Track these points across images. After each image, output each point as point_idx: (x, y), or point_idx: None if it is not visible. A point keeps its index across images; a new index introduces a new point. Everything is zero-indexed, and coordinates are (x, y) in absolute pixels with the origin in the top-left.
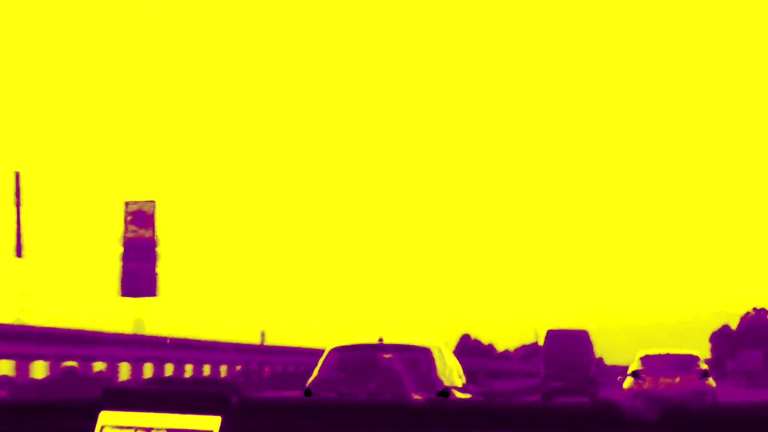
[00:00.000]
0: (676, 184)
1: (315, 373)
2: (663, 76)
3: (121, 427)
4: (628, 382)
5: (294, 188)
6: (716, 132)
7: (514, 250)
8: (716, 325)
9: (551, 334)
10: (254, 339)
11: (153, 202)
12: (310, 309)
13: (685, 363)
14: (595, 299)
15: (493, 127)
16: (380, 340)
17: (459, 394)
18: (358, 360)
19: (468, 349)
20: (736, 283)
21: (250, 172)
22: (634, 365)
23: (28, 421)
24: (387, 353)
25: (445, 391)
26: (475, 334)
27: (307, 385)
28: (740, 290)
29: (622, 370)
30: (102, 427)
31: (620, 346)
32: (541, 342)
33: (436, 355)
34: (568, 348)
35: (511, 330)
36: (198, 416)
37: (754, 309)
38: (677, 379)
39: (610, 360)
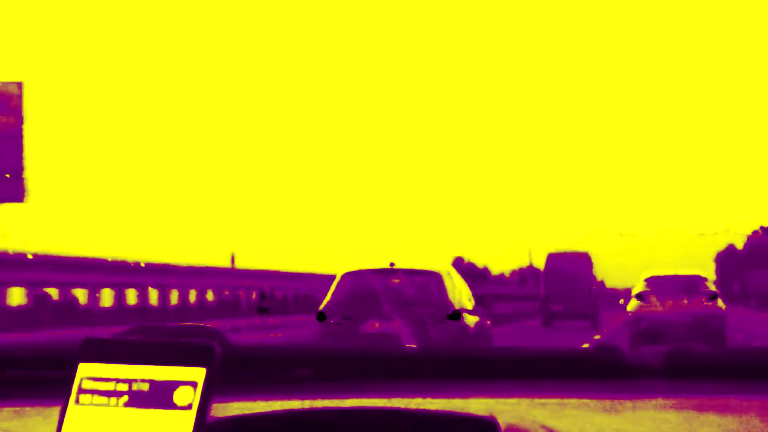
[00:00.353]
0: (678, 100)
1: (328, 297)
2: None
3: (101, 379)
4: (632, 305)
5: (279, 105)
6: (719, 51)
7: (508, 170)
8: (721, 245)
9: (551, 257)
10: (223, 262)
11: (19, 83)
12: (287, 232)
13: (692, 284)
14: (593, 220)
15: (488, 50)
16: (391, 264)
17: (469, 317)
18: (370, 284)
19: (462, 273)
20: (741, 201)
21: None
22: (639, 287)
23: (3, 370)
24: (398, 277)
25: (456, 314)
26: (468, 257)
27: (320, 308)
28: (745, 209)
29: (624, 293)
30: (81, 380)
31: (622, 269)
32: (535, 263)
33: (445, 278)
34: (569, 270)
35: (506, 253)
36: (181, 368)
37: (762, 228)
38: (684, 301)
39: (611, 283)
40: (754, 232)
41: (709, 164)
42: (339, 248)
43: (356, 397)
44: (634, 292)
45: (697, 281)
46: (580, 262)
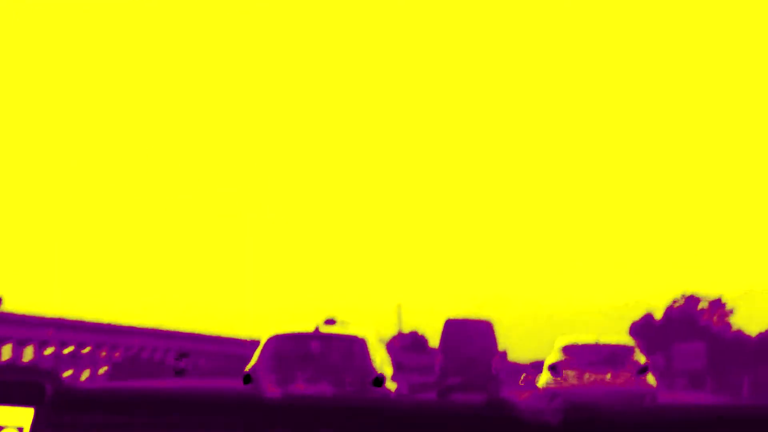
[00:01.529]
0: (582, 162)
1: (254, 359)
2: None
3: None
4: (544, 378)
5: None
6: (628, 119)
7: (389, 223)
8: (635, 316)
9: (450, 323)
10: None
11: None
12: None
13: (617, 354)
14: (491, 285)
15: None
16: (316, 328)
17: (390, 383)
18: (296, 348)
19: None
20: (655, 269)
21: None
22: (553, 356)
23: None
24: (323, 342)
25: (379, 380)
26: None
27: (246, 370)
28: (660, 277)
29: (527, 367)
30: None
31: (522, 339)
32: (403, 327)
33: (369, 344)
34: (469, 339)
35: (382, 316)
36: (7, 408)
37: (683, 296)
38: (608, 376)
39: (512, 355)
40: (675, 301)
41: (619, 230)
42: (219, 312)
43: None
44: (548, 362)
45: (623, 351)
46: (482, 329)
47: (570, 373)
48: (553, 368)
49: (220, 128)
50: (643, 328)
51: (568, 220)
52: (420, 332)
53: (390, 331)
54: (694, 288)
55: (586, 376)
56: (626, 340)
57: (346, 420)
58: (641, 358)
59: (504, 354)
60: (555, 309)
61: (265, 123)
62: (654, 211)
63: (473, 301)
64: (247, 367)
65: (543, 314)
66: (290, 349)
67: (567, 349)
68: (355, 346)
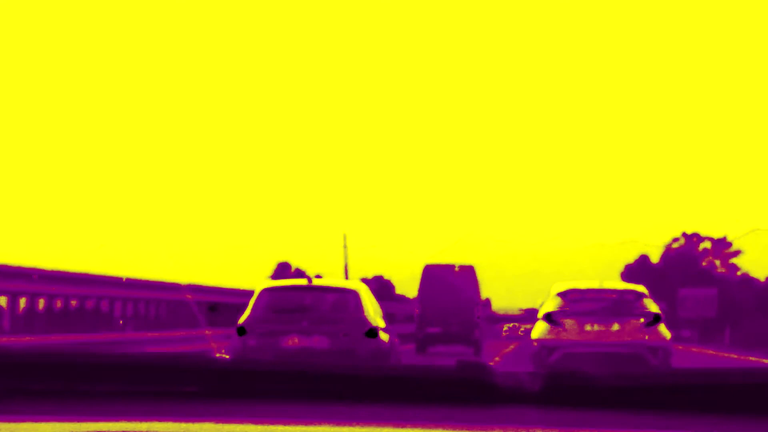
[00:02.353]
0: (576, 94)
1: (247, 312)
2: None
3: None
4: (539, 330)
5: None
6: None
7: (346, 156)
8: (627, 258)
9: (429, 269)
10: None
11: None
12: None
13: (625, 302)
14: (468, 225)
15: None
16: (309, 281)
17: (383, 334)
18: (289, 300)
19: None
20: (650, 207)
21: None
22: (549, 304)
23: None
24: (315, 294)
25: (373, 331)
26: (297, 264)
27: (239, 323)
28: (657, 215)
29: (514, 317)
30: None
31: (507, 285)
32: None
33: (362, 296)
34: (449, 285)
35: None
36: None
37: (684, 235)
38: (614, 327)
39: (496, 304)
40: (675, 239)
41: (612, 164)
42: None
43: (160, 419)
44: (542, 311)
45: (632, 298)
46: (463, 276)
47: (569, 324)
48: (549, 317)
49: (178, 75)
50: (637, 270)
51: (554, 152)
52: (386, 277)
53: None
54: (694, 227)
55: (588, 326)
56: (635, 286)
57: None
58: (652, 307)
59: (487, 302)
60: (539, 251)
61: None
62: (651, 144)
63: (447, 242)
64: (241, 319)
65: (526, 257)
66: (284, 301)
67: (566, 296)
68: (349, 298)
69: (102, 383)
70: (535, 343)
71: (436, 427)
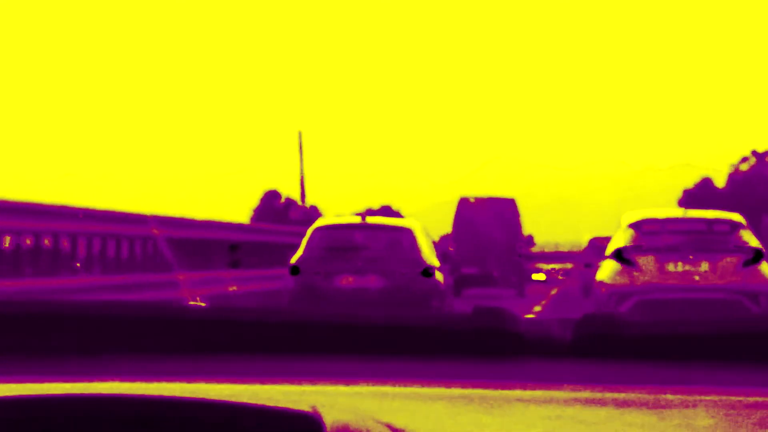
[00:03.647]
0: (627, 10)
1: (300, 251)
2: None
3: None
4: (607, 270)
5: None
6: None
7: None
8: (684, 183)
9: (464, 203)
10: None
11: None
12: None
13: (716, 234)
14: (495, 150)
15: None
16: (363, 219)
17: (438, 274)
18: (343, 239)
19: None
20: (706, 124)
21: None
22: (619, 238)
23: None
24: (370, 233)
25: (428, 270)
26: (395, 205)
27: (292, 262)
28: (715, 133)
29: (558, 254)
30: None
31: (540, 216)
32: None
33: (417, 234)
34: (488, 221)
35: (347, 189)
36: None
37: (754, 153)
38: (703, 266)
39: (539, 239)
40: (744, 160)
41: (657, 78)
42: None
43: (147, 379)
44: (611, 247)
45: (726, 229)
46: (503, 210)
47: (646, 262)
48: (619, 255)
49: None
50: (699, 197)
51: (591, 64)
52: (395, 208)
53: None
54: (765, 145)
55: (670, 266)
56: (729, 214)
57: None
58: (752, 240)
59: (530, 239)
60: (578, 176)
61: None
62: (703, 53)
63: (468, 169)
64: (293, 259)
65: (562, 184)
66: (337, 240)
67: (640, 227)
68: (403, 237)
69: (58, 337)
70: (602, 289)
71: (450, 384)
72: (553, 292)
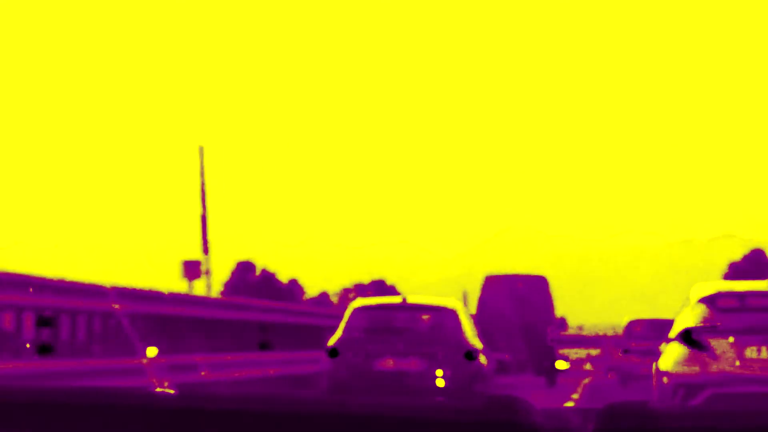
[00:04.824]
0: (671, 81)
1: (339, 332)
2: None
3: None
4: (671, 357)
5: None
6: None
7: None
8: (727, 256)
9: (491, 281)
10: None
11: None
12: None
13: None
14: (509, 217)
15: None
16: (404, 299)
17: (482, 357)
18: (383, 319)
19: (251, 286)
20: (746, 193)
21: None
22: (688, 316)
23: None
24: (411, 314)
25: (472, 353)
26: (264, 264)
27: (331, 344)
28: (758, 203)
29: (593, 340)
30: None
31: (572, 300)
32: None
33: (461, 315)
34: (517, 302)
35: (331, 263)
36: None
37: None
38: None
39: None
40: None
41: (698, 146)
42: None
43: None
44: (678, 326)
45: None
46: (534, 289)
47: (722, 347)
48: (687, 337)
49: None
50: (749, 270)
51: (625, 130)
52: (389, 282)
53: None
54: None
55: (753, 351)
56: None
57: None
58: None
59: (563, 321)
60: (605, 250)
61: None
62: (748, 119)
63: (478, 239)
64: (332, 341)
65: (590, 257)
66: (377, 321)
67: (715, 303)
68: (446, 317)
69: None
70: (666, 379)
71: None
72: (586, 381)
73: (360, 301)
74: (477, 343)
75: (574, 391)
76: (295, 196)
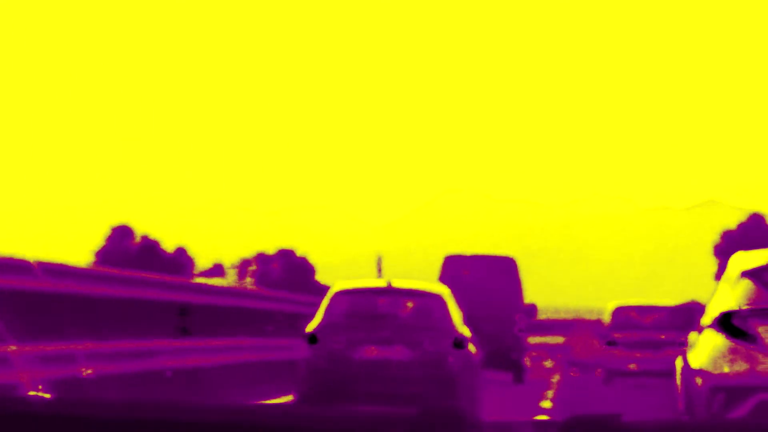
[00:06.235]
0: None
1: (318, 317)
2: None
3: None
4: (704, 351)
5: None
6: None
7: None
8: (710, 225)
9: (451, 261)
10: None
11: None
12: None
13: None
14: (446, 179)
15: None
16: (388, 283)
17: (471, 346)
18: (366, 305)
19: (132, 258)
20: (731, 157)
21: None
22: (727, 295)
23: None
24: (396, 299)
25: (461, 342)
26: (144, 231)
27: (309, 330)
28: (743, 168)
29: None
30: None
31: (533, 278)
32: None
33: (448, 301)
34: (481, 286)
35: (222, 230)
36: None
37: None
38: None
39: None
40: None
41: (672, 103)
42: None
43: None
44: (713, 310)
45: None
46: (500, 272)
47: None
48: (727, 324)
49: None
50: (748, 238)
51: (589, 82)
52: (300, 253)
53: None
54: None
55: None
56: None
57: None
58: None
59: (532, 308)
60: (568, 215)
61: None
62: (725, 79)
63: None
64: (310, 326)
65: (550, 225)
66: (359, 306)
67: (764, 278)
68: (433, 303)
69: None
70: (699, 379)
71: None
72: (555, 378)
73: (341, 284)
74: (465, 331)
75: (548, 389)
76: (186, 152)
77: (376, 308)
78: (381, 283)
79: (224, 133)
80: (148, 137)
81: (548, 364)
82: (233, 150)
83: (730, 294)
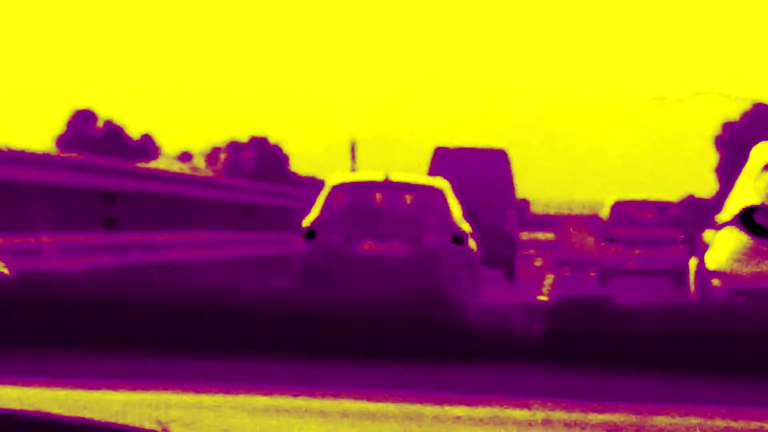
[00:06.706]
0: None
1: (315, 211)
2: None
3: None
4: (723, 249)
5: None
6: None
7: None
8: (708, 115)
9: (441, 154)
10: None
11: None
12: None
13: None
14: (426, 61)
15: None
16: (386, 177)
17: (471, 241)
18: (364, 198)
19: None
20: (730, 44)
21: None
22: (748, 189)
23: None
24: (395, 192)
25: (461, 237)
26: (118, 120)
27: (306, 225)
28: (741, 55)
29: (553, 221)
30: None
31: (522, 171)
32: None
33: (448, 195)
34: (472, 180)
35: (186, 113)
36: None
37: None
38: None
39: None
40: None
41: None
42: None
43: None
44: (735, 205)
45: None
46: (492, 165)
47: None
48: (749, 220)
49: None
50: (754, 130)
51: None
52: (273, 141)
53: None
54: None
55: None
56: None
57: None
58: None
59: (524, 204)
60: (557, 104)
61: None
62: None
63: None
64: (307, 221)
65: (547, 114)
66: (357, 200)
67: None
68: (433, 197)
69: None
70: (716, 281)
71: (371, 396)
72: (549, 278)
73: (338, 177)
74: (466, 227)
75: (540, 288)
76: (153, 33)
77: (374, 202)
78: (379, 176)
79: (193, 13)
80: (114, 16)
81: (538, 263)
82: (202, 32)
83: (752, 188)
